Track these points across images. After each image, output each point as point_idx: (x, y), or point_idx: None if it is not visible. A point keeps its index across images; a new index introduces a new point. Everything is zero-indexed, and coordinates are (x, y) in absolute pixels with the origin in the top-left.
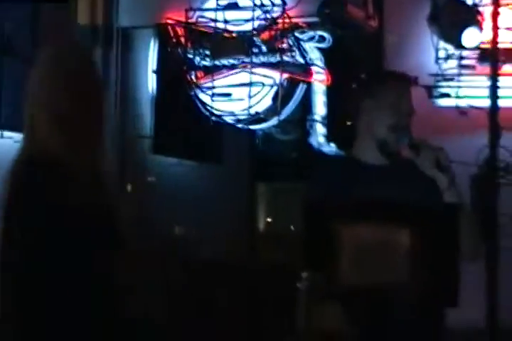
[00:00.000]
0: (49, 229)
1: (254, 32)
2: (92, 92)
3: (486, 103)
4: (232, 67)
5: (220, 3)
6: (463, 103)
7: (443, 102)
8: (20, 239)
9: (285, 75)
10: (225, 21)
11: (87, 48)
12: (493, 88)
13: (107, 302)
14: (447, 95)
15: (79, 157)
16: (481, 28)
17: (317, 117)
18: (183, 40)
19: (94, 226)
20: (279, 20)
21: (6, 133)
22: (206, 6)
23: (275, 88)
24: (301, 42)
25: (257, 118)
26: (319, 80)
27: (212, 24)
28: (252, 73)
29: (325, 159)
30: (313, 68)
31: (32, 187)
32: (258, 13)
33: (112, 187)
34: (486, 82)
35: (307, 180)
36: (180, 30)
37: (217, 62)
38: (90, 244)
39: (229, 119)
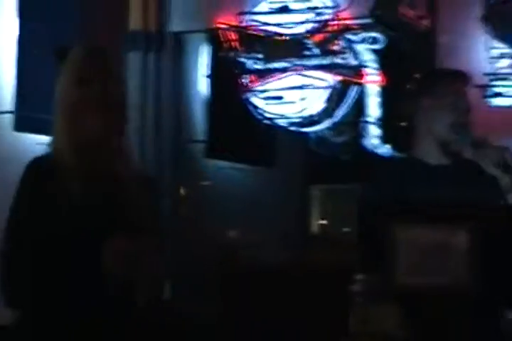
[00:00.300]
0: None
1: (307, 34)
2: (109, 91)
3: None
4: (285, 70)
5: (271, 6)
6: None
7: (496, 101)
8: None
9: (338, 77)
10: (277, 24)
11: (105, 49)
12: None
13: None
14: (500, 94)
15: (86, 158)
16: None
17: (371, 119)
18: (235, 44)
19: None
20: (331, 23)
21: None
22: (258, 9)
23: (328, 90)
24: (354, 44)
25: (310, 121)
26: (372, 81)
27: (264, 27)
28: (304, 76)
29: (384, 160)
30: (366, 70)
31: (27, 186)
32: (310, 15)
33: (136, 189)
34: None
35: (362, 182)
36: (232, 34)
37: (269, 66)
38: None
39: (282, 122)
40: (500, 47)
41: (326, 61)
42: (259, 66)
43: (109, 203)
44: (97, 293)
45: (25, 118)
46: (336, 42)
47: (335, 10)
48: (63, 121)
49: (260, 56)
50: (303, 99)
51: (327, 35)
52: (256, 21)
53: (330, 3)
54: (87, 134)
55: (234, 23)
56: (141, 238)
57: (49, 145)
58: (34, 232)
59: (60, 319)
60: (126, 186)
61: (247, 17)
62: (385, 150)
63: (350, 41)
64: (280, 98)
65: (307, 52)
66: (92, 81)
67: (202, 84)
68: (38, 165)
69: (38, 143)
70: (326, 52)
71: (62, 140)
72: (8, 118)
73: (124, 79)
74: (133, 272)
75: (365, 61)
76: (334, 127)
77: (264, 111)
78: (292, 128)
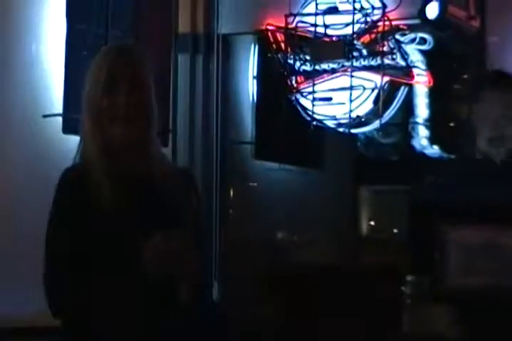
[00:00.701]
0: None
1: (355, 35)
2: (135, 97)
3: None
4: (333, 71)
5: (319, 7)
6: None
7: None
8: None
9: (386, 78)
10: (325, 26)
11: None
12: None
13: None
14: None
15: (115, 162)
16: None
17: (419, 119)
18: (283, 45)
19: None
20: (379, 23)
21: None
22: (306, 11)
23: (376, 91)
24: (402, 45)
25: (358, 122)
26: (421, 82)
27: (312, 29)
28: (352, 77)
29: (434, 160)
30: (415, 70)
31: (62, 192)
32: (358, 16)
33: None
34: None
35: (411, 183)
36: (280, 36)
37: (317, 67)
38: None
39: (330, 123)
40: None
41: (374, 62)
42: (307, 67)
43: (141, 204)
44: (137, 293)
45: (73, 120)
46: (384, 43)
47: (383, 10)
48: (91, 126)
49: (308, 57)
50: (351, 100)
51: (375, 35)
52: (304, 22)
53: (378, 4)
54: (114, 140)
55: (282, 25)
56: (178, 235)
57: (79, 151)
58: (72, 240)
59: (103, 320)
60: (160, 187)
61: (296, 18)
62: (434, 150)
63: (398, 42)
64: (329, 99)
65: (355, 53)
66: (117, 87)
67: (250, 86)
68: (69, 176)
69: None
70: (374, 53)
71: (92, 146)
72: (57, 121)
73: (149, 81)
74: (171, 269)
75: (414, 62)
76: (382, 128)
77: (313, 113)
78: (341, 130)
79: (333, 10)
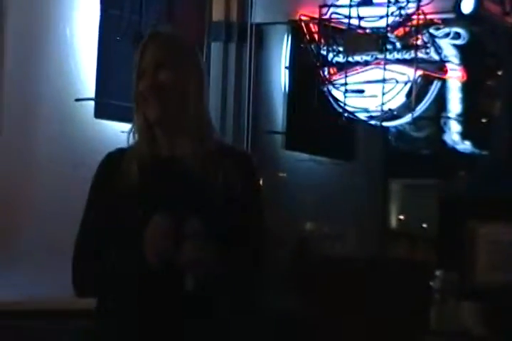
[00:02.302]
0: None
1: (389, 28)
2: (160, 81)
3: None
4: (366, 63)
5: None
6: None
7: None
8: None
9: (419, 72)
10: (359, 17)
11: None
12: None
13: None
14: None
15: (162, 147)
16: None
17: (451, 114)
18: (316, 36)
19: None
20: (414, 17)
21: None
22: (340, 2)
23: (409, 85)
24: (436, 39)
25: (390, 115)
26: (454, 77)
27: (346, 20)
28: (385, 70)
29: (466, 156)
30: (448, 65)
31: (99, 174)
32: (392, 9)
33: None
34: None
35: (442, 178)
36: (313, 27)
37: (350, 59)
38: None
39: (362, 116)
40: None
41: (407, 55)
42: (340, 59)
43: (170, 186)
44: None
45: (106, 105)
46: (418, 36)
47: (418, 4)
48: (135, 107)
49: (341, 49)
50: (383, 93)
51: (409, 29)
52: (338, 14)
53: None
54: (149, 120)
55: (316, 16)
56: (190, 220)
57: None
58: (106, 222)
59: (127, 306)
60: (195, 168)
61: (330, 9)
62: (465, 146)
63: (432, 36)
64: (361, 91)
65: (389, 46)
66: (144, 73)
67: (282, 76)
68: (108, 160)
69: (122, 131)
70: (408, 47)
71: (136, 127)
72: (90, 105)
73: (196, 65)
74: (173, 254)
75: (447, 56)
76: (414, 122)
77: (345, 104)
78: (372, 122)
79: (367, 2)
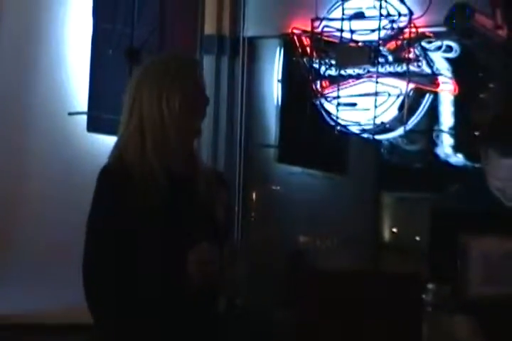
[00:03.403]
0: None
1: (381, 41)
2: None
3: None
4: (358, 76)
5: (346, 12)
6: None
7: None
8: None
9: (411, 85)
10: (351, 31)
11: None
12: None
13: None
14: None
15: (153, 162)
16: None
17: (444, 127)
18: (308, 49)
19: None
20: (406, 30)
21: None
22: (332, 15)
23: (401, 98)
24: (428, 52)
25: (382, 129)
26: (446, 90)
27: (338, 34)
28: (377, 83)
29: (458, 169)
30: (440, 78)
31: (102, 192)
32: (384, 22)
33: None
34: None
35: (435, 191)
36: (306, 40)
37: (342, 72)
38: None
39: (354, 129)
40: None
41: (399, 68)
42: (332, 72)
43: (191, 202)
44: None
45: (98, 118)
46: (410, 49)
47: (409, 17)
48: (160, 141)
49: (334, 62)
50: (376, 106)
51: (401, 42)
52: (330, 27)
53: (405, 11)
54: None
55: (308, 29)
56: (224, 245)
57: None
58: (118, 233)
59: (145, 322)
60: (205, 184)
61: (322, 23)
62: (457, 159)
63: (424, 49)
64: (354, 105)
65: (381, 59)
66: (200, 107)
67: (275, 89)
68: (112, 173)
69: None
70: (400, 60)
71: (152, 155)
72: (81, 119)
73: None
74: (215, 280)
75: (439, 69)
76: (407, 135)
77: (337, 118)
78: (365, 135)
79: (359, 15)
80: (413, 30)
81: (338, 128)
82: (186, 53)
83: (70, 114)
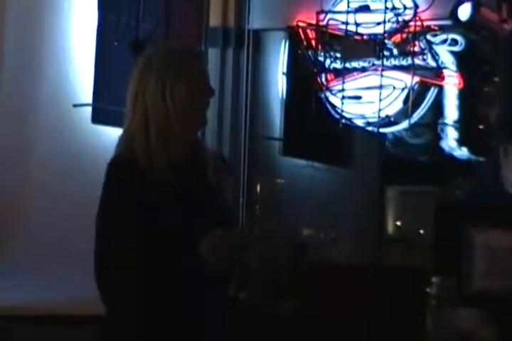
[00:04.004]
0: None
1: (386, 35)
2: (179, 88)
3: None
4: (363, 69)
5: (351, 5)
6: None
7: None
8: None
9: (416, 78)
10: (356, 24)
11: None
12: None
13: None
14: None
15: (160, 155)
16: None
17: (448, 121)
18: (313, 42)
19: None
20: (411, 23)
21: None
22: (337, 8)
23: (406, 91)
24: (433, 46)
25: (387, 122)
26: (451, 84)
27: (343, 27)
28: (382, 76)
29: (462, 162)
30: (445, 71)
31: (111, 184)
32: (390, 15)
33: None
34: None
35: (440, 184)
36: (311, 33)
37: (347, 65)
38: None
39: (359, 122)
40: None
41: (404, 62)
42: (337, 65)
43: (199, 190)
44: (194, 283)
45: (103, 110)
46: (415, 43)
47: (415, 10)
48: (167, 130)
49: (339, 55)
50: (380, 99)
51: (406, 35)
52: (335, 20)
53: (410, 4)
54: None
55: (313, 22)
56: (238, 232)
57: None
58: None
59: (160, 306)
60: (211, 172)
61: (327, 16)
62: (462, 152)
63: (429, 42)
64: (358, 98)
65: (386, 53)
66: (206, 97)
67: (280, 82)
68: (122, 164)
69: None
70: (405, 53)
71: (156, 149)
72: (86, 111)
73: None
74: (230, 265)
75: (444, 63)
76: (411, 128)
77: (342, 111)
78: (369, 129)
79: (364, 8)
80: (418, 23)
81: (343, 121)
82: (189, 44)
83: (75, 105)
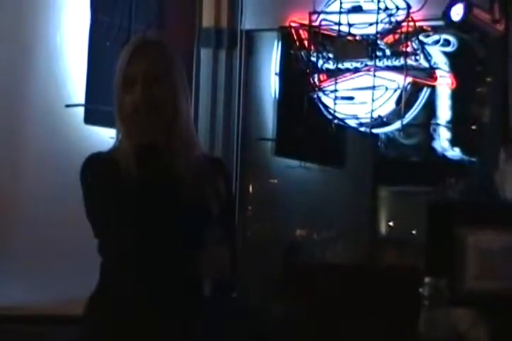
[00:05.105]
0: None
1: (378, 35)
2: (153, 94)
3: None
4: (356, 70)
5: (343, 6)
6: None
7: None
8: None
9: (409, 79)
10: (349, 24)
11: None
12: None
13: None
14: None
15: (144, 156)
16: None
17: (441, 121)
18: (306, 43)
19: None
20: (404, 24)
21: None
22: (330, 9)
23: (399, 92)
24: (426, 46)
25: (379, 122)
26: (444, 84)
27: (335, 27)
28: (375, 76)
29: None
30: (438, 72)
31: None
32: (382, 16)
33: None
34: None
35: (432, 184)
36: (303, 33)
37: (340, 66)
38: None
39: (352, 123)
40: None
41: (397, 62)
42: (330, 65)
43: (168, 188)
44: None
45: (95, 111)
46: (407, 43)
47: (407, 11)
48: (118, 121)
49: (331, 55)
50: (373, 99)
51: (399, 36)
52: (328, 21)
53: (403, 5)
54: (138, 134)
55: (306, 22)
56: (209, 228)
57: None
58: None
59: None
60: (184, 174)
61: (319, 16)
62: (454, 153)
63: (422, 43)
64: (351, 98)
65: (379, 53)
66: (134, 83)
67: (272, 82)
68: (94, 162)
69: (112, 136)
70: (398, 54)
71: (122, 140)
72: (79, 111)
73: (183, 77)
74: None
75: (437, 63)
76: (404, 129)
77: (334, 111)
78: (362, 129)
79: (357, 9)
80: (411, 24)
81: (336, 121)
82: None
83: (68, 106)
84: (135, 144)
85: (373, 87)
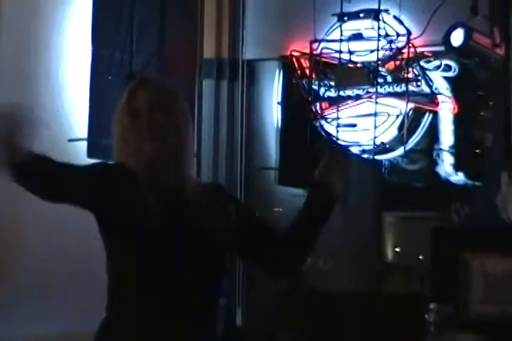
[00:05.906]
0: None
1: (379, 62)
2: (157, 122)
3: None
4: (357, 97)
5: (344, 34)
6: None
7: None
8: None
9: (411, 105)
10: (350, 52)
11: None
12: None
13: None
14: None
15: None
16: None
17: (444, 146)
18: (307, 71)
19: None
20: (404, 50)
21: None
22: (331, 37)
23: (401, 118)
24: (427, 72)
25: (382, 149)
26: (446, 109)
27: (336, 55)
28: (377, 103)
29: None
30: (440, 97)
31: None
32: (383, 43)
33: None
34: None
35: (437, 210)
36: (305, 62)
37: (341, 93)
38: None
39: (354, 150)
40: None
41: (398, 88)
42: (331, 93)
43: (180, 217)
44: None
45: (98, 144)
46: (408, 69)
47: (408, 37)
48: (118, 143)
49: (333, 83)
50: (375, 126)
51: (400, 62)
52: (329, 49)
53: (403, 31)
54: (151, 159)
55: (307, 51)
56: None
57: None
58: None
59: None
60: (194, 200)
61: (320, 44)
62: (458, 178)
63: (423, 69)
64: (353, 125)
65: (380, 80)
66: (140, 114)
67: (274, 111)
68: (109, 169)
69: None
70: (399, 80)
71: (139, 185)
72: (82, 145)
73: (184, 108)
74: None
75: (439, 89)
76: (407, 155)
77: (337, 139)
78: (365, 156)
79: (357, 36)
80: (412, 50)
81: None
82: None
83: (70, 140)
84: (155, 189)
85: (375, 114)
